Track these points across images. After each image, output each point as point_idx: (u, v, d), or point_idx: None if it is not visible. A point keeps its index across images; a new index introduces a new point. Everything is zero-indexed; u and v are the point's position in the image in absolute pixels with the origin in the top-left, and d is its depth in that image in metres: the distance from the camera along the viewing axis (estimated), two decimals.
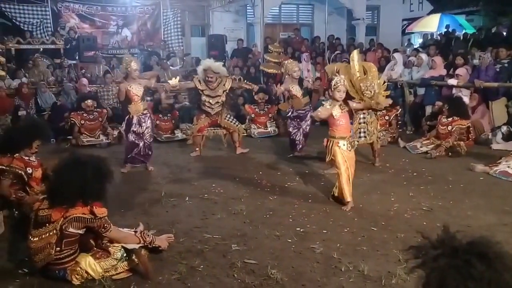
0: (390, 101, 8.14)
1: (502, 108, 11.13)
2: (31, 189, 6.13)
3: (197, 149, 9.88)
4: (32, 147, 6.17)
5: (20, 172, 6.01)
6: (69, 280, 4.41)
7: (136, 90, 8.25)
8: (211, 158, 9.67)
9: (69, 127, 11.03)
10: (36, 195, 5.86)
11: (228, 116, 9.93)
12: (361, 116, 8.42)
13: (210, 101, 9.41)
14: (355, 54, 8.27)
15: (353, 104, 6.92)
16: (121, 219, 5.89)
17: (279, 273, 4.62)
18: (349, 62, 8.55)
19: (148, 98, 10.51)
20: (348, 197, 6.56)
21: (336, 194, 6.83)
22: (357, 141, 8.05)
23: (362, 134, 8.55)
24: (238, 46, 18.55)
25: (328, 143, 6.67)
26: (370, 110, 8.31)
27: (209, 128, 9.87)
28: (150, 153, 8.67)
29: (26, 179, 6.09)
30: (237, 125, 10.00)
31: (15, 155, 6.06)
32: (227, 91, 9.56)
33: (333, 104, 6.55)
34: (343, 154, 6.59)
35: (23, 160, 6.11)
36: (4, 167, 5.95)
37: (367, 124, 8.58)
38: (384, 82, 8.68)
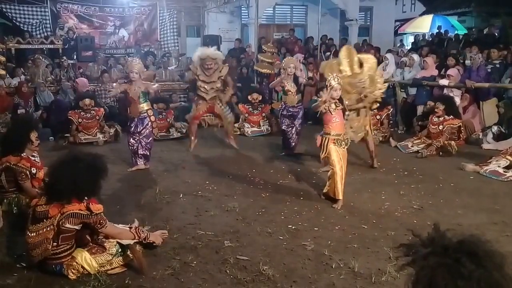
0: (380, 94, 8.21)
1: (493, 108, 11.22)
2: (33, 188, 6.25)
3: (192, 138, 9.87)
4: (33, 140, 6.31)
5: (25, 171, 6.12)
6: (66, 275, 4.47)
7: (133, 93, 8.29)
8: (205, 156, 9.70)
9: (67, 125, 11.10)
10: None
11: (223, 106, 9.84)
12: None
13: (206, 86, 9.32)
14: (343, 51, 8.26)
15: (346, 102, 7.01)
16: (116, 215, 5.92)
17: (271, 270, 4.68)
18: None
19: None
20: (340, 195, 6.64)
21: (327, 191, 6.90)
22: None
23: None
24: (235, 45, 18.62)
25: (323, 140, 6.75)
26: (364, 108, 8.34)
27: (205, 115, 9.90)
28: (148, 153, 8.71)
29: (29, 179, 6.20)
30: (227, 114, 9.88)
31: (22, 155, 6.18)
32: (223, 77, 9.44)
33: (329, 102, 6.63)
34: (338, 152, 6.68)
35: (30, 160, 6.24)
36: (11, 165, 6.05)
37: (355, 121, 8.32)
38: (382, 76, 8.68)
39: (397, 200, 6.96)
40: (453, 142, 9.80)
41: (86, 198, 4.50)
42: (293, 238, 5.55)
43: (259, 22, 16.69)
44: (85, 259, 4.51)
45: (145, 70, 9.65)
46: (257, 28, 15.91)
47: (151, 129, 8.60)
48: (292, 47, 18.00)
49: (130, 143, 8.53)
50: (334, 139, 6.65)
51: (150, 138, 8.62)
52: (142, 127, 8.42)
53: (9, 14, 17.65)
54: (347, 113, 8.10)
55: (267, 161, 9.32)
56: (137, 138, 8.45)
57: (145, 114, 8.47)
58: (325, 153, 6.76)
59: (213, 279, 4.56)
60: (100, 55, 15.74)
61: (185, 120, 10.38)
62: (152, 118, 8.71)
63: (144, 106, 8.43)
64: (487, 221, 6.17)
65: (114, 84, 8.95)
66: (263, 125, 12.41)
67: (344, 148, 6.76)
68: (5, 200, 6.15)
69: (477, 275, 1.73)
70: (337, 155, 6.66)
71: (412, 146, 10.13)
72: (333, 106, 6.62)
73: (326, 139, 6.70)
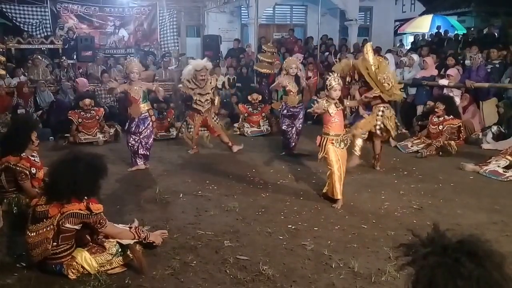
0: (403, 94, 8.13)
1: (493, 108, 11.22)
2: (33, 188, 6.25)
3: (195, 146, 9.99)
4: (33, 140, 6.32)
5: (25, 171, 6.12)
6: (66, 275, 4.48)
7: (134, 93, 8.29)
8: (204, 156, 9.73)
9: (67, 125, 11.11)
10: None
11: (215, 118, 10.07)
12: (381, 109, 8.14)
13: (201, 99, 9.56)
14: (369, 47, 8.10)
15: (347, 102, 7.01)
16: (116, 215, 5.94)
17: (271, 270, 4.68)
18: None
19: None
20: (338, 195, 6.65)
21: (326, 192, 6.91)
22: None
23: (378, 127, 8.25)
24: (234, 45, 18.64)
25: (322, 140, 6.76)
26: (388, 104, 8.23)
27: (200, 129, 9.98)
28: (148, 153, 8.72)
29: (29, 179, 6.20)
30: (221, 127, 10.18)
31: (22, 155, 6.19)
32: (214, 88, 9.77)
33: (329, 103, 6.64)
34: (336, 152, 6.68)
35: (29, 160, 6.25)
36: (11, 165, 6.06)
37: (387, 119, 8.22)
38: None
39: (397, 200, 6.97)
40: (452, 142, 9.81)
41: (86, 197, 4.51)
42: (293, 238, 5.55)
43: (259, 22, 16.69)
44: (85, 259, 4.52)
45: (144, 70, 9.66)
46: (257, 28, 15.90)
47: (152, 129, 8.63)
48: (292, 47, 18.03)
49: (129, 143, 8.53)
50: (333, 139, 6.67)
51: (151, 139, 8.64)
52: (143, 127, 8.43)
53: (9, 14, 17.67)
54: (381, 111, 8.02)
55: (267, 161, 9.31)
56: (137, 138, 8.46)
57: (146, 114, 8.49)
58: (323, 153, 6.76)
59: (213, 279, 4.56)
60: (99, 55, 15.71)
61: (185, 121, 10.38)
62: (153, 118, 8.74)
63: (145, 106, 8.45)
64: (486, 221, 6.18)
65: (114, 82, 8.93)
66: (263, 125, 12.42)
67: (343, 148, 6.77)
68: (5, 200, 6.15)
69: (476, 274, 1.74)
70: (335, 156, 6.66)
71: (411, 146, 10.14)
72: (333, 106, 6.63)
73: (325, 139, 6.72)
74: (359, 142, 7.89)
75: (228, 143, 10.06)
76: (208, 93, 9.61)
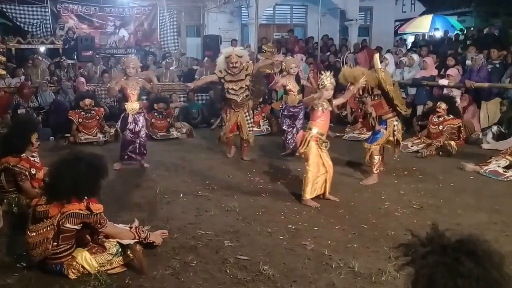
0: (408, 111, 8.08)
1: (497, 108, 11.19)
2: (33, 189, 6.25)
3: (232, 146, 9.59)
4: (33, 142, 6.32)
5: (25, 172, 6.11)
6: (66, 274, 4.48)
7: (131, 88, 8.32)
8: (204, 156, 9.75)
9: (67, 125, 11.12)
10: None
11: (248, 118, 9.36)
12: (394, 123, 7.85)
13: (234, 87, 8.91)
14: (377, 59, 7.86)
15: (334, 101, 7.01)
16: (116, 215, 5.94)
17: (271, 269, 4.68)
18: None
19: (144, 97, 10.52)
20: (307, 195, 6.67)
21: (327, 192, 6.89)
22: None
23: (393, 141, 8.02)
24: (232, 45, 18.63)
25: (306, 135, 6.74)
26: (397, 117, 7.93)
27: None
28: (145, 151, 8.76)
29: (29, 179, 6.19)
30: (249, 132, 9.35)
31: (22, 156, 6.19)
32: (250, 75, 9.00)
33: (321, 100, 6.65)
34: (319, 154, 6.68)
35: (29, 161, 6.23)
36: (10, 166, 6.05)
37: (399, 132, 7.96)
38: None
39: (397, 200, 6.97)
40: (453, 142, 9.80)
41: (86, 197, 4.51)
42: (293, 237, 5.56)
43: (259, 22, 16.70)
44: (85, 259, 4.52)
45: (141, 65, 9.55)
46: (257, 28, 15.90)
47: (144, 125, 8.73)
48: (292, 47, 18.02)
49: (125, 140, 8.60)
50: (317, 138, 6.65)
51: (143, 133, 8.72)
52: (135, 124, 8.48)
53: (10, 14, 17.75)
54: (395, 123, 7.91)
55: (267, 161, 9.31)
56: (132, 135, 8.52)
57: (141, 110, 8.60)
58: (305, 148, 6.72)
59: (213, 278, 4.57)
60: (95, 56, 15.71)
61: (185, 120, 10.34)
62: (145, 115, 8.80)
63: (138, 103, 8.51)
64: (486, 221, 6.19)
65: (112, 83, 8.92)
66: (263, 125, 12.44)
67: (324, 150, 6.73)
68: (5, 200, 6.14)
69: (476, 273, 1.75)
70: (316, 156, 6.66)
71: (412, 146, 10.12)
72: (325, 105, 6.64)
73: (309, 134, 6.69)
74: (376, 159, 7.80)
75: (243, 150, 9.50)
76: (242, 80, 8.87)
